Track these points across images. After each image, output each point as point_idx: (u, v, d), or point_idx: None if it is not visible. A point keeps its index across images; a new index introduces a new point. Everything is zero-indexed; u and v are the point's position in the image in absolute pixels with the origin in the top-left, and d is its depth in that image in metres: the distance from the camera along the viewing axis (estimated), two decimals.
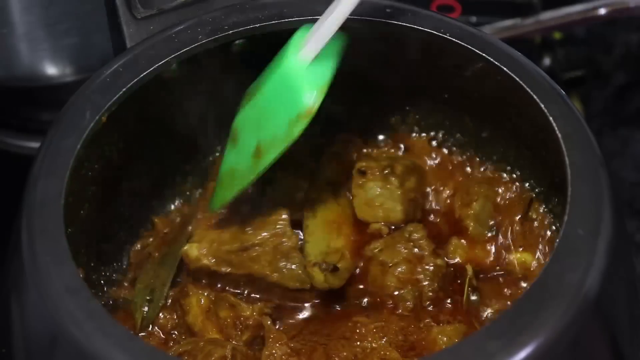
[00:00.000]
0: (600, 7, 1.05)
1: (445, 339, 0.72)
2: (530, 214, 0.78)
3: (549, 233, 0.77)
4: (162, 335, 0.75)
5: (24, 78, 1.01)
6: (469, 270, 0.76)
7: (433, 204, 0.82)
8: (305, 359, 0.72)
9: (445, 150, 0.85)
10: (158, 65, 0.75)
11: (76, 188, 0.70)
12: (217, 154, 0.85)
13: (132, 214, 0.82)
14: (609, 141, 1.13)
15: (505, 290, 0.75)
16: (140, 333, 0.75)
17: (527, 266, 0.76)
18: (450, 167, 0.84)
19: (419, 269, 0.76)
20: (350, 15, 0.76)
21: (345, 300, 0.76)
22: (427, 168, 0.84)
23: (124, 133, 0.76)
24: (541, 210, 0.78)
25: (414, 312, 0.75)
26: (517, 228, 0.78)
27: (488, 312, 0.74)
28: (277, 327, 0.74)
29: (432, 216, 0.81)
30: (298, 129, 0.71)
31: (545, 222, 0.78)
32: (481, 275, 0.76)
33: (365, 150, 0.85)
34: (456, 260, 0.77)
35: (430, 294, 0.75)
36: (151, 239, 0.81)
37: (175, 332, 0.76)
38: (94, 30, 0.98)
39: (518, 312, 0.60)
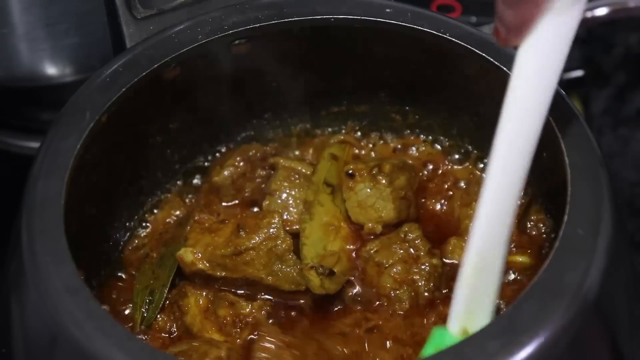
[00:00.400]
0: (600, 7, 1.05)
1: None
2: (529, 215, 0.78)
3: (548, 234, 0.77)
4: (160, 335, 0.75)
5: (24, 78, 1.01)
6: None
7: (432, 204, 0.82)
8: (298, 351, 0.72)
9: (445, 151, 0.85)
10: (158, 66, 0.75)
11: (76, 188, 0.69)
12: (217, 155, 0.85)
13: (131, 214, 0.82)
14: (609, 141, 1.13)
15: (505, 291, 0.75)
16: (138, 333, 0.75)
17: (525, 267, 0.76)
18: (450, 167, 0.84)
19: (415, 269, 0.76)
20: (352, 15, 0.76)
21: (342, 300, 0.76)
22: (426, 169, 0.84)
23: (124, 133, 0.76)
24: (540, 211, 0.78)
25: (409, 311, 0.75)
26: (516, 229, 0.78)
27: None
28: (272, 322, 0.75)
29: (431, 216, 0.81)
30: None
31: (544, 223, 0.78)
32: None
33: (356, 151, 0.85)
34: (454, 260, 0.77)
35: (426, 293, 0.75)
36: (147, 239, 0.81)
37: (175, 332, 0.76)
38: (94, 30, 0.98)
39: (518, 312, 0.60)
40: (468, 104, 0.81)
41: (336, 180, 0.81)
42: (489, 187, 0.61)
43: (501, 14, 0.59)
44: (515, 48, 0.61)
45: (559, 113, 0.69)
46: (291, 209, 0.80)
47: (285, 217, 0.79)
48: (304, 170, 0.82)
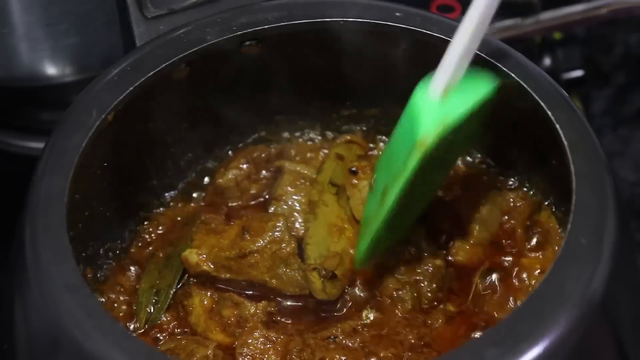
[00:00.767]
0: (600, 7, 1.05)
1: None
2: (537, 220, 0.79)
3: (555, 240, 0.77)
4: (164, 335, 0.75)
5: (24, 78, 1.01)
6: (482, 268, 0.76)
7: (438, 206, 0.82)
8: (281, 347, 0.72)
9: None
10: (165, 65, 0.75)
11: (81, 186, 0.70)
12: (226, 156, 0.85)
13: (137, 213, 0.82)
14: (609, 141, 1.13)
15: (507, 295, 0.75)
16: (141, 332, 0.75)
17: (531, 272, 0.76)
18: (459, 172, 0.84)
19: (418, 270, 0.76)
20: (362, 19, 0.76)
21: (345, 301, 0.76)
22: None
23: (130, 132, 0.76)
24: (548, 217, 0.78)
25: (412, 312, 0.75)
26: (523, 234, 0.78)
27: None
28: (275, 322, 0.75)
29: (436, 217, 0.81)
30: (411, 162, 0.68)
31: (552, 229, 0.78)
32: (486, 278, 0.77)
33: (363, 152, 0.85)
34: (458, 262, 0.77)
35: (429, 294, 0.75)
36: (152, 238, 0.81)
37: (177, 332, 0.76)
38: (94, 30, 0.98)
39: (517, 320, 0.60)
40: None
41: (342, 181, 0.81)
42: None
43: None
44: None
45: (565, 120, 0.69)
46: (297, 214, 0.80)
47: (291, 221, 0.79)
48: (310, 174, 0.82)
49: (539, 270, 0.76)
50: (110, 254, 0.80)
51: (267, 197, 0.83)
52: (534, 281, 0.75)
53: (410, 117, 0.68)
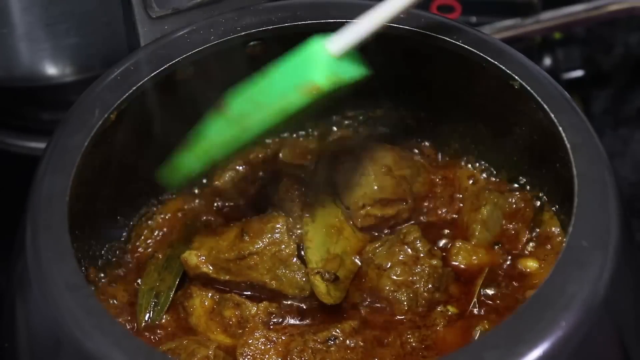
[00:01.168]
0: (600, 7, 1.05)
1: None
2: (538, 222, 0.79)
3: (557, 242, 0.77)
4: (164, 335, 0.75)
5: (24, 78, 1.01)
6: (483, 274, 0.76)
7: (442, 208, 0.82)
8: (281, 347, 0.72)
9: (457, 156, 0.85)
10: (169, 65, 0.75)
11: (82, 185, 0.70)
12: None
13: (137, 213, 0.82)
14: (609, 141, 1.13)
15: (508, 297, 0.75)
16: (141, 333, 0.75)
17: (533, 274, 0.76)
18: (461, 173, 0.84)
19: (414, 271, 0.76)
20: None
21: (345, 302, 0.76)
22: (437, 173, 0.84)
23: (133, 132, 0.76)
24: (550, 219, 0.78)
25: (408, 313, 0.75)
26: (525, 236, 0.78)
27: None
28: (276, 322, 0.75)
29: (439, 219, 0.81)
30: (295, 100, 0.69)
31: (554, 231, 0.78)
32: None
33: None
34: (460, 263, 0.77)
35: (426, 294, 0.75)
36: (152, 239, 0.81)
37: (178, 332, 0.76)
38: (94, 30, 0.97)
39: (518, 322, 0.60)
40: (482, 112, 0.81)
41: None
42: None
43: None
44: None
45: (568, 123, 0.69)
46: (295, 216, 0.80)
47: (290, 222, 0.79)
48: (307, 176, 0.82)
49: (540, 273, 0.76)
50: (110, 254, 0.80)
51: (265, 198, 0.83)
52: (535, 283, 0.75)
53: (304, 60, 0.70)
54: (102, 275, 0.78)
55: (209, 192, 0.84)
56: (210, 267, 0.76)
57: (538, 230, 0.78)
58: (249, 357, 0.73)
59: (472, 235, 0.79)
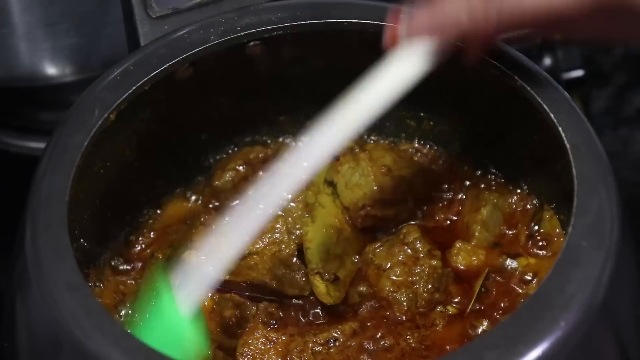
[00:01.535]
0: None
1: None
2: (538, 222, 0.79)
3: (556, 242, 0.77)
4: None
5: (24, 78, 1.01)
6: (483, 274, 0.76)
7: (442, 209, 0.82)
8: (281, 348, 0.72)
9: (457, 157, 0.85)
10: (169, 65, 0.75)
11: (82, 185, 0.70)
12: (224, 155, 0.85)
13: (137, 213, 0.82)
14: (609, 141, 1.13)
15: (508, 297, 0.75)
16: None
17: (532, 274, 0.76)
18: (461, 174, 0.84)
19: (415, 271, 0.76)
20: (366, 20, 0.76)
21: (345, 303, 0.76)
22: (437, 174, 0.84)
23: (133, 131, 0.76)
24: (550, 219, 0.78)
25: (409, 313, 0.75)
26: (525, 236, 0.78)
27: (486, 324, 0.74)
28: (276, 322, 0.75)
29: (440, 220, 0.81)
30: None
31: (554, 231, 0.78)
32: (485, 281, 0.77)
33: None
34: (459, 263, 0.77)
35: (425, 294, 0.75)
36: (152, 239, 0.81)
37: None
38: (94, 30, 0.97)
39: (516, 323, 0.60)
40: (482, 112, 0.81)
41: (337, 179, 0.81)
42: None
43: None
44: None
45: (567, 123, 0.69)
46: (295, 217, 0.80)
47: (290, 223, 0.79)
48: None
49: (539, 273, 0.76)
50: (110, 253, 0.80)
51: None
52: (534, 283, 0.75)
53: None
54: (103, 274, 0.78)
55: (209, 192, 0.84)
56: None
57: (538, 230, 0.78)
58: (248, 357, 0.73)
59: (471, 236, 0.79)
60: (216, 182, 0.83)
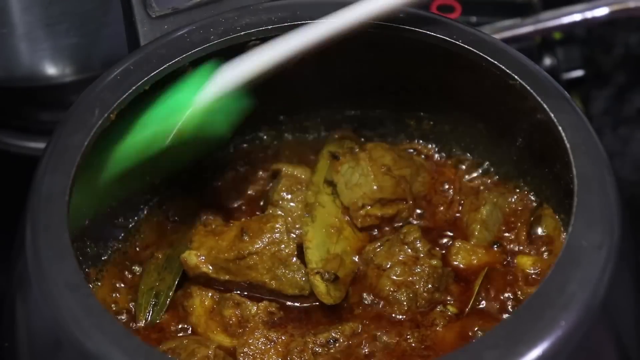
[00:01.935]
0: (600, 7, 1.05)
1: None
2: (538, 221, 0.79)
3: (556, 242, 0.77)
4: (164, 335, 0.76)
5: (24, 78, 1.01)
6: (482, 273, 0.76)
7: (442, 208, 0.82)
8: (281, 347, 0.72)
9: (457, 157, 0.85)
10: (169, 65, 0.75)
11: (82, 185, 0.69)
12: (225, 154, 0.85)
13: (136, 213, 0.82)
14: (609, 141, 1.13)
15: (508, 297, 0.75)
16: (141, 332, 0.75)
17: (532, 274, 0.76)
18: (461, 173, 0.84)
19: (415, 271, 0.76)
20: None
21: (345, 303, 0.76)
22: (437, 174, 0.84)
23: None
24: (550, 219, 0.78)
25: (409, 313, 0.75)
26: (524, 236, 0.78)
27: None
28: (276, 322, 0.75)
29: (439, 220, 0.81)
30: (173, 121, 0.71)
31: (554, 231, 0.78)
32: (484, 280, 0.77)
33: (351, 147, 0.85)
34: (459, 262, 0.77)
35: (425, 294, 0.75)
36: (152, 239, 0.81)
37: (179, 332, 0.76)
38: (94, 30, 0.98)
39: (517, 322, 0.60)
40: (482, 112, 0.81)
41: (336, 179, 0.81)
42: None
43: None
44: None
45: (567, 123, 0.69)
46: (294, 216, 0.80)
47: (289, 222, 0.79)
48: (307, 177, 0.82)
49: (540, 272, 0.76)
50: (110, 253, 0.80)
51: (265, 198, 0.83)
52: (534, 283, 0.75)
53: (192, 85, 0.72)
54: (102, 275, 0.78)
55: (209, 192, 0.84)
56: (210, 267, 0.76)
57: (538, 230, 0.78)
58: (249, 356, 0.73)
59: (471, 235, 0.79)
60: (216, 182, 0.83)
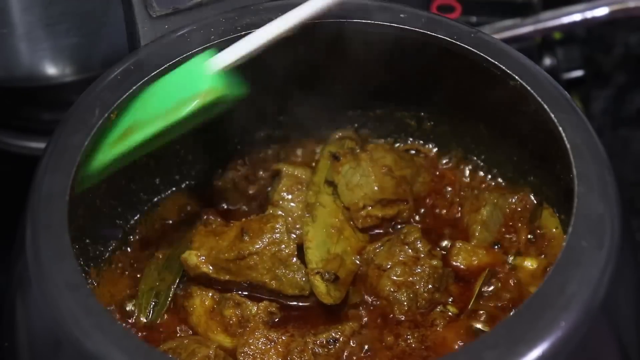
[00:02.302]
0: (600, 7, 1.05)
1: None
2: (538, 222, 0.79)
3: (556, 242, 0.77)
4: (164, 335, 0.76)
5: (24, 78, 1.01)
6: (483, 274, 0.76)
7: (442, 209, 0.82)
8: (282, 347, 0.72)
9: (457, 157, 0.85)
10: (169, 65, 0.75)
11: (82, 184, 0.69)
12: (225, 154, 0.85)
13: (137, 212, 0.82)
14: (609, 141, 1.13)
15: (508, 297, 0.75)
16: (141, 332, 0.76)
17: (532, 274, 0.76)
18: (461, 174, 0.84)
19: (415, 271, 0.76)
20: (363, 19, 0.76)
21: (345, 303, 0.76)
22: (438, 174, 0.84)
23: None
24: (550, 219, 0.78)
25: (410, 313, 0.75)
26: (525, 236, 0.78)
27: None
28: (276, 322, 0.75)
29: (440, 220, 0.81)
30: (184, 108, 0.71)
31: (554, 231, 0.78)
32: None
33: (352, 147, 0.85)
34: (460, 263, 0.77)
35: (426, 294, 0.75)
36: (152, 239, 0.81)
37: (179, 331, 0.76)
38: (94, 30, 0.97)
39: (517, 322, 0.60)
40: (482, 112, 0.81)
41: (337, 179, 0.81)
42: None
43: None
44: None
45: (568, 123, 0.69)
46: (295, 216, 0.80)
47: (290, 222, 0.79)
48: (307, 177, 0.82)
49: (540, 273, 0.76)
50: (110, 253, 0.80)
51: (265, 198, 0.83)
52: (535, 283, 0.75)
53: (191, 73, 0.72)
54: (102, 274, 0.78)
55: (210, 191, 0.84)
56: (210, 267, 0.76)
57: (538, 230, 0.78)
58: (249, 356, 0.73)
59: (472, 236, 0.79)
60: (217, 182, 0.83)
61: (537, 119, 0.71)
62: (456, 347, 0.72)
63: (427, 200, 0.83)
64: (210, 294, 0.76)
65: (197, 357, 0.70)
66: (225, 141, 0.85)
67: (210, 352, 0.71)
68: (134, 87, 0.73)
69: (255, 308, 0.75)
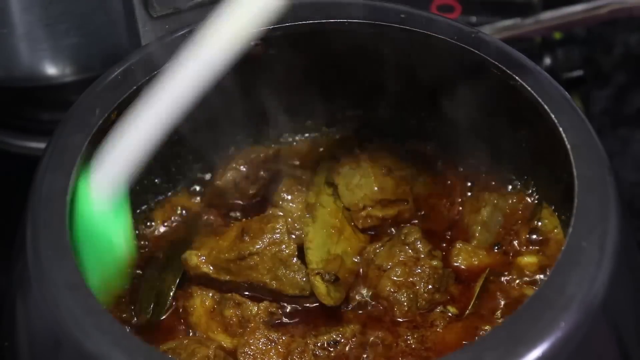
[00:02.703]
0: (600, 7, 1.05)
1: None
2: (538, 222, 0.79)
3: (556, 243, 0.77)
4: (164, 335, 0.76)
5: (24, 78, 1.01)
6: (483, 275, 0.76)
7: (443, 209, 0.82)
8: (282, 348, 0.72)
9: (458, 158, 0.85)
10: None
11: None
12: (225, 154, 0.85)
13: (137, 213, 0.82)
14: (609, 141, 1.13)
15: (508, 298, 0.75)
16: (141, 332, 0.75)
17: (532, 275, 0.76)
18: (462, 174, 0.84)
19: (415, 271, 0.76)
20: (363, 19, 0.76)
21: (345, 303, 0.76)
22: (438, 175, 0.84)
23: None
24: (550, 220, 0.78)
25: (410, 314, 0.74)
26: (525, 236, 0.78)
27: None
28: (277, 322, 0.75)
29: (440, 221, 0.81)
30: None
31: (554, 232, 0.78)
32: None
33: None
34: (460, 263, 0.77)
35: (426, 295, 0.75)
36: (153, 239, 0.81)
37: (179, 331, 0.76)
38: (94, 30, 0.97)
39: (516, 323, 0.60)
40: (483, 112, 0.81)
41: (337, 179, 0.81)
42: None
43: None
44: None
45: (568, 124, 0.69)
46: (295, 217, 0.80)
47: (290, 223, 0.79)
48: (308, 178, 0.82)
49: (540, 273, 0.76)
50: None
51: (265, 198, 0.83)
52: (535, 284, 0.75)
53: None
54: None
55: (210, 191, 0.84)
56: (211, 267, 0.76)
57: (538, 231, 0.78)
58: (249, 357, 0.73)
59: (472, 237, 0.79)
60: (217, 182, 0.83)
61: (537, 119, 0.71)
62: (456, 348, 0.72)
63: (428, 201, 0.83)
64: (211, 294, 0.76)
65: (197, 357, 0.70)
66: (225, 141, 0.85)
67: (210, 352, 0.71)
68: (134, 87, 0.73)
69: (255, 308, 0.75)
